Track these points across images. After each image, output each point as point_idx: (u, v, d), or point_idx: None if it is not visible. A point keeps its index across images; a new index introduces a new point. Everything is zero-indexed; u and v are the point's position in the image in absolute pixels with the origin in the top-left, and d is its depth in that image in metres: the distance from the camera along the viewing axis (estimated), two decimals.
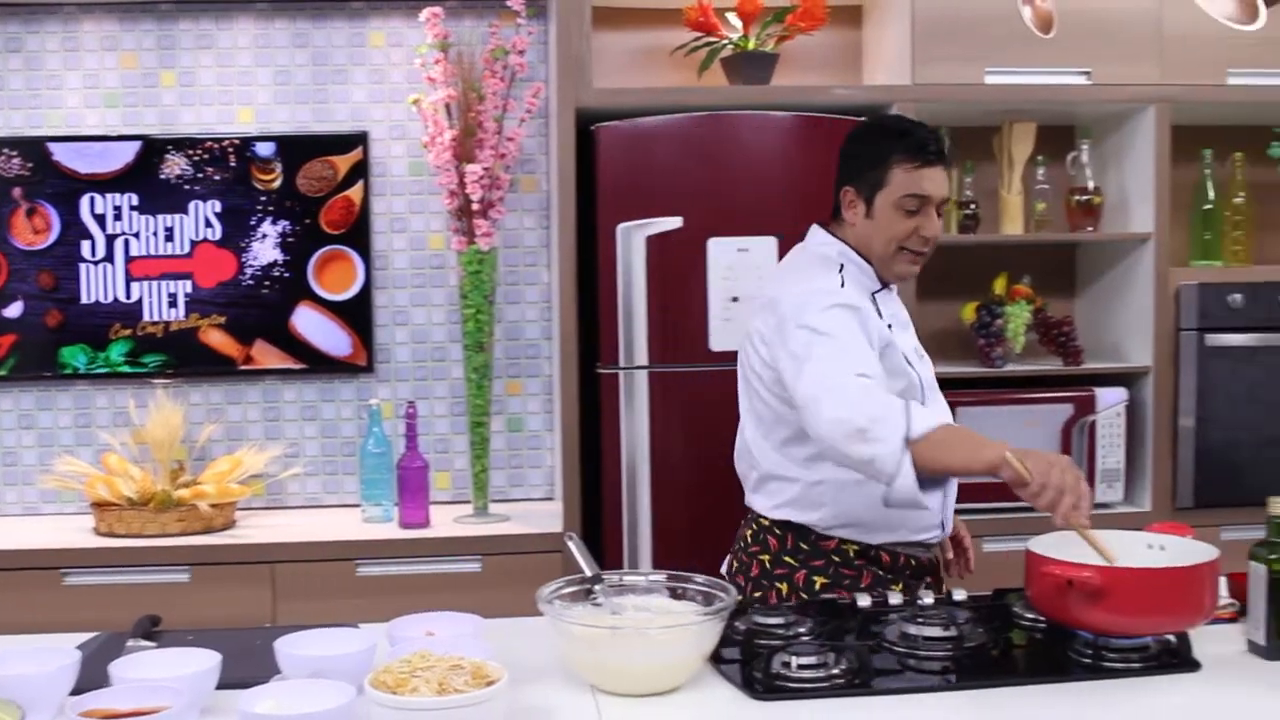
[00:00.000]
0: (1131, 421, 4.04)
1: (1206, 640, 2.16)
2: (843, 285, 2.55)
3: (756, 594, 2.65)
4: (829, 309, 2.48)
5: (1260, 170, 4.27)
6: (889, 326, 2.58)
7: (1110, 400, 3.94)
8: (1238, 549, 2.20)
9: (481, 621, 2.17)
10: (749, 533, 2.74)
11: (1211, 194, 4.18)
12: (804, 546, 2.64)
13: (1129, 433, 4.03)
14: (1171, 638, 2.11)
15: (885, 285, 2.66)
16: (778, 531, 2.67)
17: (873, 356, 2.45)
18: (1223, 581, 2.35)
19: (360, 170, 4.01)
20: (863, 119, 2.73)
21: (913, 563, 2.63)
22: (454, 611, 2.20)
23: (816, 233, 2.71)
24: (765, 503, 2.69)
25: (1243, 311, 4.00)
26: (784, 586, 2.64)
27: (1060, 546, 2.14)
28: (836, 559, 2.62)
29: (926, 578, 2.65)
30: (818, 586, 2.61)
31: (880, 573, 2.62)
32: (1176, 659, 2.08)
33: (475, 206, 3.72)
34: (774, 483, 2.67)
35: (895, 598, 2.37)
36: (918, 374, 2.59)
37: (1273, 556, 2.11)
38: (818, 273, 2.60)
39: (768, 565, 2.67)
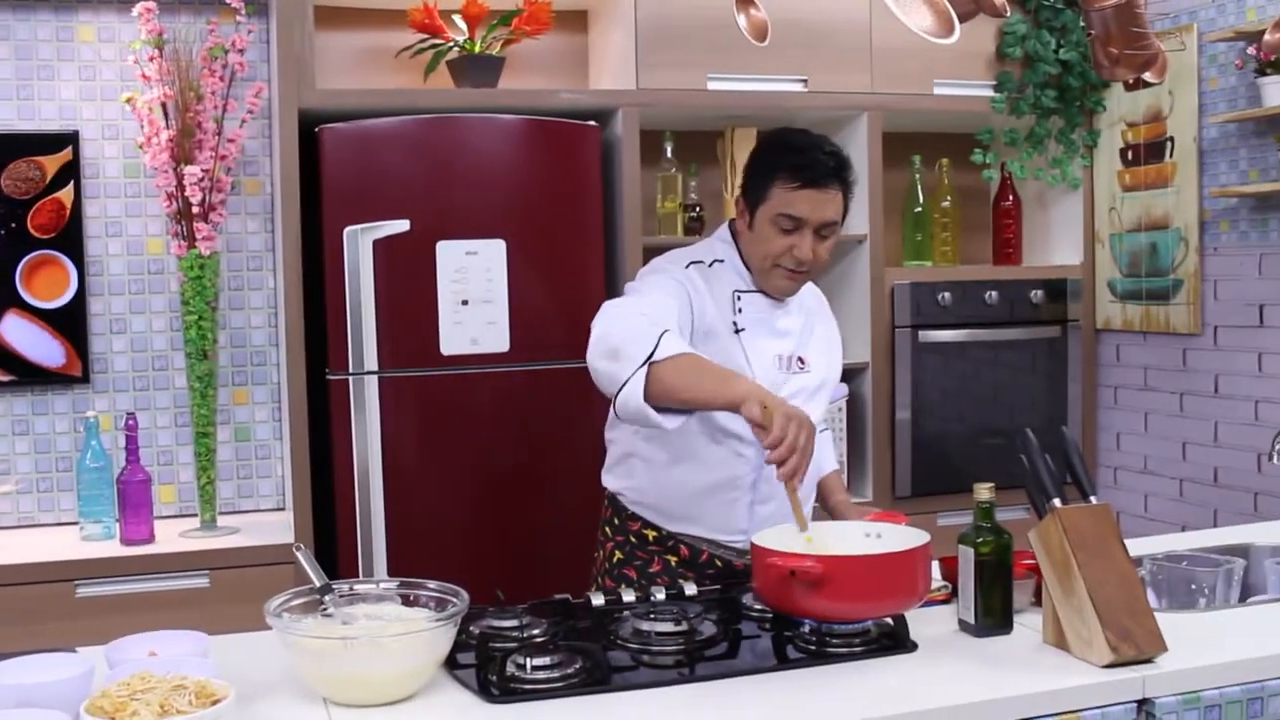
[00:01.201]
0: (852, 416, 4.20)
1: (923, 622, 2.27)
2: (687, 267, 2.58)
3: (596, 554, 2.82)
4: (659, 278, 2.55)
5: (965, 175, 4.52)
6: (738, 326, 2.58)
7: (833, 396, 4.09)
8: (953, 534, 2.31)
9: (207, 638, 2.09)
10: None
11: (921, 198, 4.39)
12: (616, 520, 2.74)
13: (850, 426, 4.19)
14: (890, 621, 2.20)
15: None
16: (605, 499, 2.79)
17: (672, 313, 2.45)
18: (936, 565, 2.48)
19: (70, 171, 3.82)
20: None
21: (718, 563, 2.67)
22: (179, 630, 2.13)
23: (722, 228, 2.73)
24: (607, 463, 2.78)
25: (951, 309, 4.23)
26: (600, 555, 2.79)
27: (784, 539, 2.21)
28: (634, 540, 2.70)
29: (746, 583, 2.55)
30: (615, 560, 2.71)
31: (674, 563, 2.67)
32: (895, 641, 2.17)
33: (195, 210, 3.60)
34: (613, 445, 2.75)
35: (629, 595, 2.40)
36: (754, 373, 2.54)
37: (980, 540, 2.22)
38: (682, 257, 2.64)
39: (601, 531, 2.80)
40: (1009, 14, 2.62)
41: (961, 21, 2.28)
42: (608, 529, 2.79)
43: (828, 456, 2.91)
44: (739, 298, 2.60)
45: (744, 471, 2.59)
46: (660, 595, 2.40)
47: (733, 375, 2.34)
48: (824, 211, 2.53)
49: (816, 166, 2.51)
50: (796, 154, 2.53)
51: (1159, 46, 2.65)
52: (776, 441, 2.15)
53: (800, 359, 2.66)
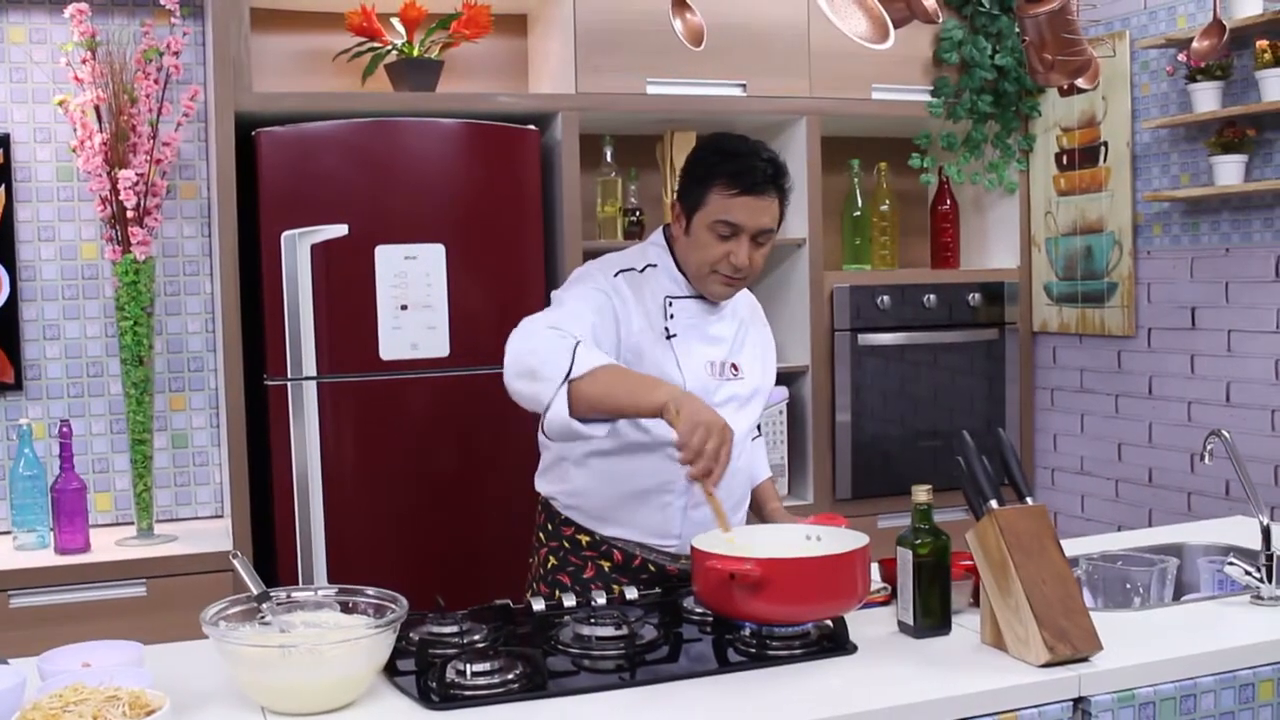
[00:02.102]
0: (792, 419, 4.22)
1: (863, 623, 2.29)
2: (615, 275, 2.57)
3: (531, 560, 2.81)
4: (583, 288, 2.54)
5: (903, 180, 4.55)
6: (669, 332, 2.57)
7: (772, 399, 4.11)
8: (894, 536, 2.32)
9: (141, 648, 2.07)
10: None
11: (860, 202, 4.42)
12: (549, 526, 2.73)
13: (790, 430, 4.21)
14: (829, 623, 2.21)
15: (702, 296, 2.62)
16: (539, 505, 2.78)
17: (585, 321, 2.44)
18: (876, 567, 2.49)
19: (2, 175, 3.76)
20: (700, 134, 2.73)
21: (651, 568, 2.66)
22: (115, 640, 2.10)
23: (657, 232, 2.70)
24: (540, 468, 2.77)
25: (890, 312, 4.26)
26: (534, 561, 2.77)
27: (722, 542, 2.22)
28: (568, 545, 2.69)
29: (684, 587, 2.53)
30: (549, 566, 2.71)
31: (607, 568, 2.66)
32: (834, 643, 2.18)
33: (130, 214, 3.55)
34: (546, 450, 2.73)
35: (569, 600, 2.40)
36: (685, 380, 2.53)
37: (918, 542, 2.24)
38: (613, 263, 2.63)
39: (535, 537, 2.79)
40: (940, 20, 2.64)
41: (896, 27, 2.30)
42: (541, 535, 2.77)
43: (761, 464, 2.91)
44: (670, 304, 2.59)
45: (677, 475, 2.55)
46: (601, 600, 2.40)
47: (652, 381, 2.33)
48: (761, 219, 2.52)
49: (754, 174, 2.50)
50: (734, 160, 2.52)
51: (1092, 53, 2.68)
52: (682, 445, 2.16)
53: (733, 366, 2.65)
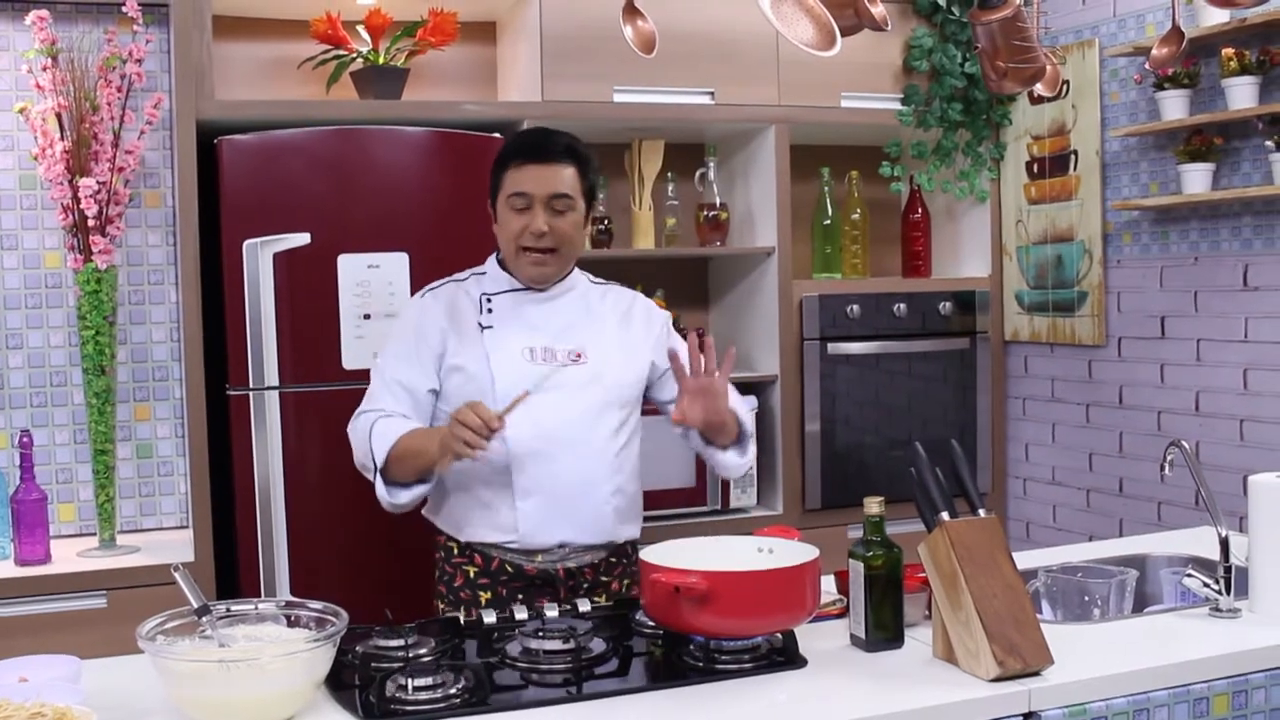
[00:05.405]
0: (762, 428, 4.19)
1: (815, 637, 2.27)
2: (424, 295, 2.78)
3: None
4: (396, 326, 2.83)
5: (874, 188, 4.53)
6: (483, 325, 2.67)
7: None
8: None
9: (79, 663, 2.05)
10: None
11: (830, 210, 4.40)
12: (436, 538, 2.81)
13: (760, 439, 4.18)
14: (780, 636, 2.19)
15: (530, 287, 2.71)
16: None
17: (400, 378, 2.69)
18: (832, 579, 2.48)
19: None
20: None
21: (509, 569, 2.66)
22: (55, 654, 2.08)
23: None
24: None
25: (860, 321, 4.24)
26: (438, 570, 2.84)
27: (671, 554, 2.20)
28: (442, 554, 2.77)
29: (543, 595, 2.61)
30: (435, 576, 2.81)
31: (473, 574, 2.69)
32: (784, 657, 2.16)
33: (91, 223, 3.52)
34: None
35: (521, 612, 2.38)
36: (492, 369, 2.63)
37: (870, 554, 2.22)
38: (428, 285, 2.83)
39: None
40: (889, 27, 2.63)
41: (844, 35, 2.28)
42: (434, 546, 2.87)
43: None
44: (489, 300, 2.70)
45: (499, 468, 2.63)
46: (553, 612, 2.38)
47: (430, 434, 2.57)
48: (551, 184, 2.62)
49: (541, 144, 2.66)
50: (522, 138, 2.75)
51: (1045, 60, 2.66)
52: (457, 439, 2.40)
53: (575, 353, 2.67)
